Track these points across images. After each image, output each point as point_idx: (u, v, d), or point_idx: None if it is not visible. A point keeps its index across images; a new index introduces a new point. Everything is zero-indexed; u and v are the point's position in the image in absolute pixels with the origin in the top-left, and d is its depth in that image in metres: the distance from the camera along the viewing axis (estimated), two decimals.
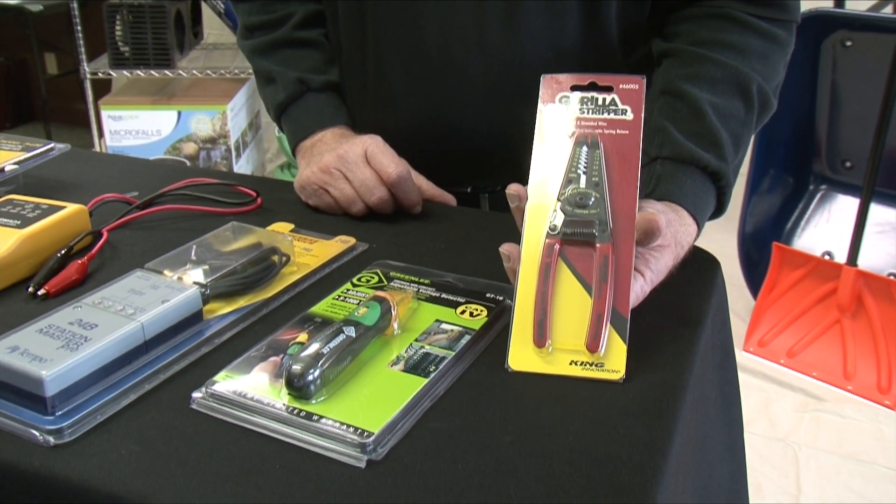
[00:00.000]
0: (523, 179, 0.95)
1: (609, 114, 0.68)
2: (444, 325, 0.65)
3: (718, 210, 0.81)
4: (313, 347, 0.58)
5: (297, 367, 0.56)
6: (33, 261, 0.74)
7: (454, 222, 0.86)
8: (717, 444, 0.75)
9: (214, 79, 2.71)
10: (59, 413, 0.55)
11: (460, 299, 0.69)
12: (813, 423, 2.11)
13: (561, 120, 0.69)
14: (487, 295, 0.70)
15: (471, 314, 0.67)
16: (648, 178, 0.77)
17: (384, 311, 0.63)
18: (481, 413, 0.56)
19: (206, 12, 2.89)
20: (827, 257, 2.41)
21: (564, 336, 0.61)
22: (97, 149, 2.77)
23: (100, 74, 2.68)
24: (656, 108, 0.83)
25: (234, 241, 0.76)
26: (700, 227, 0.77)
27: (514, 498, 0.49)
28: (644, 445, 0.53)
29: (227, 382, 0.58)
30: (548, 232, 0.64)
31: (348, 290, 0.71)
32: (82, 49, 2.65)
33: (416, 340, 0.63)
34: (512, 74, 0.88)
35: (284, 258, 0.73)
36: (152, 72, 2.61)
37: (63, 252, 0.75)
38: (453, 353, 0.62)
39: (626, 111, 0.68)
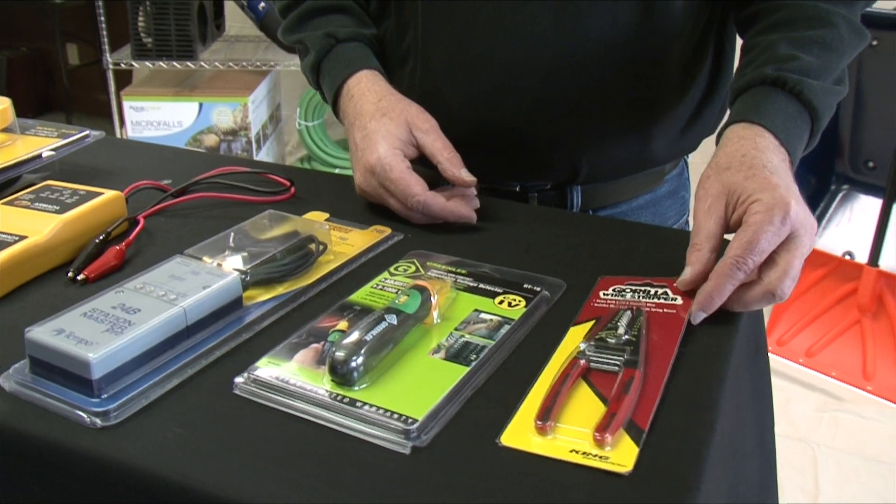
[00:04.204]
0: (572, 178, 0.94)
1: (659, 299, 0.68)
2: (483, 315, 0.65)
3: (813, 117, 0.75)
4: (356, 335, 0.58)
5: (340, 354, 0.56)
6: (72, 245, 0.75)
7: (491, 214, 0.86)
8: (748, 437, 0.75)
9: (236, 71, 2.72)
10: (105, 396, 0.56)
11: (498, 289, 0.69)
12: (832, 423, 2.10)
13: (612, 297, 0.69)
14: (525, 286, 0.70)
15: (509, 304, 0.67)
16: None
17: (424, 300, 0.63)
18: (522, 400, 0.56)
19: (229, 4, 2.89)
20: (848, 257, 2.40)
21: (571, 427, 0.54)
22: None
23: (122, 65, 2.69)
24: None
25: (271, 229, 0.76)
26: (770, 128, 0.73)
27: (558, 483, 0.49)
28: (685, 434, 0.53)
29: (268, 368, 0.59)
30: (577, 353, 0.61)
31: (385, 279, 0.71)
32: (105, 40, 2.66)
33: (456, 329, 0.63)
34: (561, 71, 0.87)
35: (322, 246, 0.74)
36: (175, 63, 2.62)
37: (101, 238, 0.75)
38: (493, 342, 0.62)
39: (677, 299, 0.67)
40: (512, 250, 0.79)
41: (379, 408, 0.54)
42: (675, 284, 0.69)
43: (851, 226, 2.45)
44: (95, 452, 0.52)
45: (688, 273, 0.67)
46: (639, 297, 0.69)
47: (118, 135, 2.78)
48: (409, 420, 0.53)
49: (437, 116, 0.86)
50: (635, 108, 0.88)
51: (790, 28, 0.80)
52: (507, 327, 0.64)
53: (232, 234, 0.74)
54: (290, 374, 0.58)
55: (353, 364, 0.56)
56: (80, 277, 0.71)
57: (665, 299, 0.68)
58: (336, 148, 2.98)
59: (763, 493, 0.79)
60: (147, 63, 2.63)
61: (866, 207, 2.44)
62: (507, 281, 0.70)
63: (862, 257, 2.35)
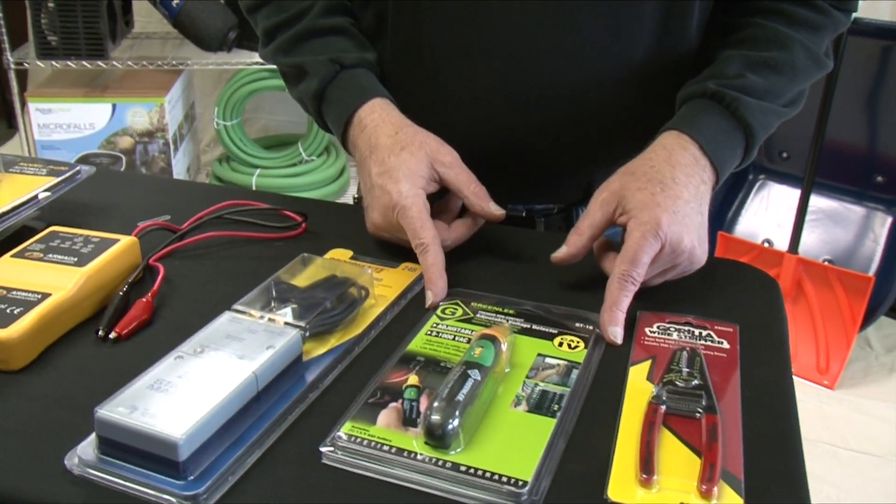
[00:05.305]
0: (582, 199, 0.94)
1: (706, 341, 0.69)
2: (549, 360, 0.65)
3: (748, 133, 0.80)
4: (446, 394, 0.57)
5: (437, 418, 0.55)
6: (95, 299, 0.70)
7: (511, 243, 0.85)
8: None
9: (150, 70, 2.60)
10: (192, 477, 0.52)
11: (553, 330, 0.69)
12: None
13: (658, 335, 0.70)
14: (577, 325, 0.70)
15: (569, 346, 0.67)
16: None
17: (496, 350, 0.63)
18: (613, 450, 0.56)
19: None
20: (767, 244, 2.51)
21: (671, 479, 0.55)
22: (23, 142, 2.62)
23: (25, 65, 2.53)
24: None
25: (309, 275, 0.73)
26: (698, 139, 0.78)
27: None
28: (780, 478, 0.55)
29: (353, 433, 0.57)
30: (651, 399, 0.61)
31: (437, 323, 0.69)
32: (5, 38, 2.49)
33: (528, 378, 0.63)
34: (580, 96, 0.87)
35: (363, 291, 0.72)
36: (84, 63, 2.48)
37: (125, 289, 0.71)
38: (569, 389, 0.62)
39: (723, 343, 0.69)
40: (544, 282, 0.78)
41: (485, 471, 0.53)
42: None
43: (769, 214, 2.57)
44: None
45: (563, 251, 0.76)
46: (684, 336, 0.70)
47: (23, 137, 2.62)
48: (520, 482, 0.52)
49: (446, 140, 0.84)
50: (651, 128, 0.88)
51: (748, 47, 0.84)
52: (576, 371, 0.64)
53: (272, 283, 0.70)
54: (378, 438, 0.56)
55: (451, 427, 0.55)
56: (111, 336, 0.67)
57: (711, 341, 0.69)
58: (255, 147, 2.90)
59: None
60: (54, 62, 2.48)
61: (781, 196, 2.56)
62: (557, 321, 0.70)
63: (779, 244, 2.47)
